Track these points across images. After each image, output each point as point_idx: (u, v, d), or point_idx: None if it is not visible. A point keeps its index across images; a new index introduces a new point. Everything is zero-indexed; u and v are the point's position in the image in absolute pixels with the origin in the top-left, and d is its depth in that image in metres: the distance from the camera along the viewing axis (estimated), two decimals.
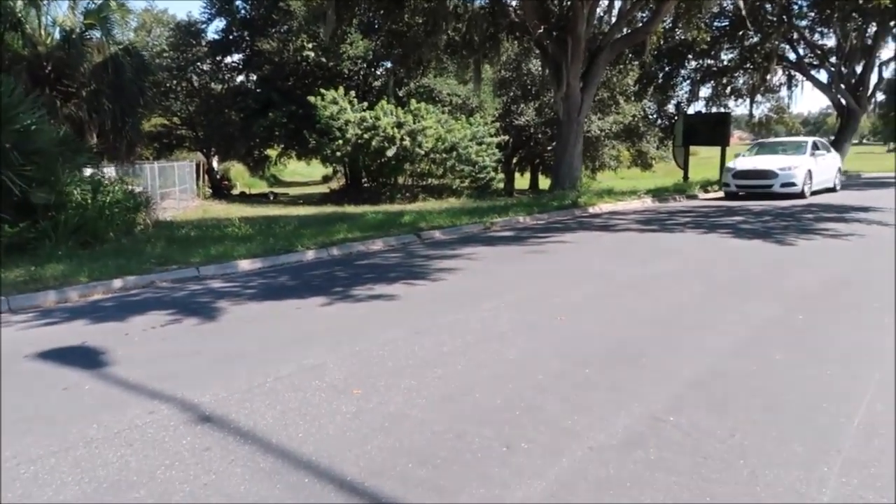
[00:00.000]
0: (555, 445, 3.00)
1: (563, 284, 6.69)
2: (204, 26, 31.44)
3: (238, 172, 40.19)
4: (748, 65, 28.68)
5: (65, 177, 10.23)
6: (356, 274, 7.66)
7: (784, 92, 33.36)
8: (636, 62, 26.65)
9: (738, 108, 37.37)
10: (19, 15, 14.04)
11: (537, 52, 22.99)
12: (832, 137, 29.17)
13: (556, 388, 3.70)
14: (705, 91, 31.43)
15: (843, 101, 27.84)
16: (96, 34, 14.83)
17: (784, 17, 25.44)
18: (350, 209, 18.08)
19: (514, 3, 19.55)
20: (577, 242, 9.90)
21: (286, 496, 2.60)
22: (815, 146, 17.92)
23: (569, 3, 18.25)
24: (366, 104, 22.72)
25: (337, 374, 3.99)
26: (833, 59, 28.23)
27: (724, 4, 25.87)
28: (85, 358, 4.49)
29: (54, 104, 13.30)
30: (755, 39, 26.86)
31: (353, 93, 22.90)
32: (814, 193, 16.64)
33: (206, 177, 32.56)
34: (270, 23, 28.92)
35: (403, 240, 10.44)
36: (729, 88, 30.79)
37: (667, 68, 28.64)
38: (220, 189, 32.71)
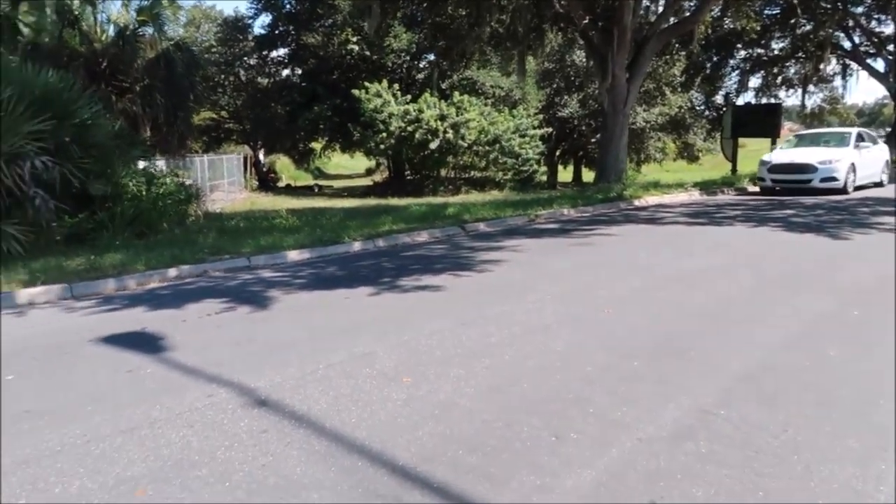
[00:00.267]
0: (603, 436, 3.02)
1: (608, 277, 6.66)
2: (250, 21, 32.01)
3: (284, 165, 40.84)
4: (800, 54, 27.88)
5: (120, 169, 10.58)
6: (402, 265, 7.75)
7: (838, 82, 32.43)
8: (683, 52, 26.14)
9: (790, 98, 36.42)
10: (76, 13, 14.54)
11: (582, 43, 22.77)
12: (888, 129, 28.13)
13: (603, 380, 3.71)
14: (755, 81, 30.68)
15: None
16: (149, 30, 15.24)
17: (839, 3, 24.61)
18: (394, 201, 18.23)
19: None
20: (623, 235, 9.81)
21: (341, 479, 2.68)
22: (860, 137, 16.62)
23: None
24: (409, 97, 22.81)
25: (387, 363, 4.08)
26: (890, 48, 27.20)
27: None
28: (145, 343, 4.68)
29: (110, 99, 13.72)
30: (808, 27, 26.07)
31: (396, 86, 23.01)
32: (858, 188, 15.51)
33: (253, 169, 33.20)
34: (315, 17, 29.23)
35: (448, 231, 10.51)
36: (780, 78, 29.99)
37: (715, 58, 28.03)
38: (267, 181, 33.31)
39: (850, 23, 26.80)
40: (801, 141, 17.58)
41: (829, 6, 24.60)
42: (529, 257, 8.06)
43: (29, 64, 10.02)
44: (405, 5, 20.76)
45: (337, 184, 37.81)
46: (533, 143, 24.03)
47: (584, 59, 27.23)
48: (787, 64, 29.17)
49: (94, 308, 5.98)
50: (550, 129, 26.45)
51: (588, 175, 32.12)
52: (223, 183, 22.88)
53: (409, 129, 21.77)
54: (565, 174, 36.98)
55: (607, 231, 10.25)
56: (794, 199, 14.35)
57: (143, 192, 10.51)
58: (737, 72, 29.74)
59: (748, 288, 6.01)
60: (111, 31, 15.54)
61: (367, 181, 34.66)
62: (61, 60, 12.99)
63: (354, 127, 23.57)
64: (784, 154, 16.35)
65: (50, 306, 6.16)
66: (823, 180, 14.91)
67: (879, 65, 28.06)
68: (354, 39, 27.77)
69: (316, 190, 30.79)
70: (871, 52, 28.00)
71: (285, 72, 33.41)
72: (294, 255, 8.40)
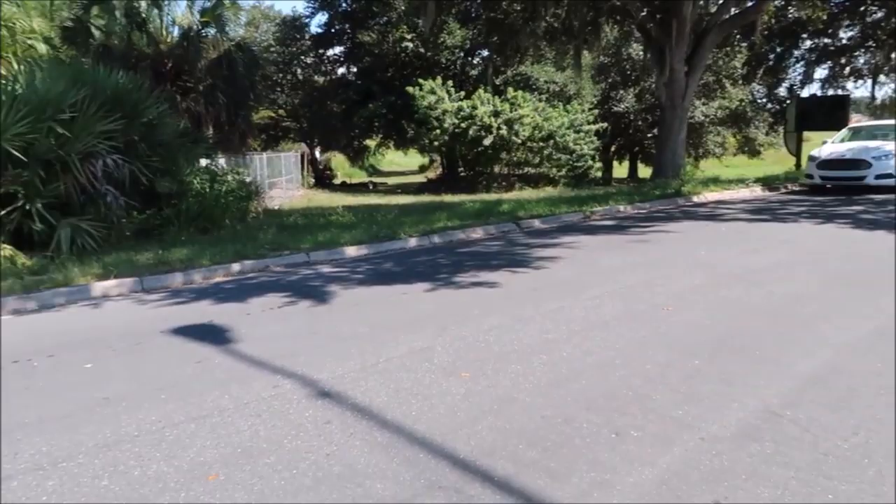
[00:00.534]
0: (665, 434, 3.00)
1: (667, 274, 6.55)
2: (307, 20, 32.57)
3: (339, 162, 41.44)
4: (871, 43, 26.62)
5: (185, 167, 10.96)
6: (458, 261, 7.80)
7: None
8: (744, 44, 25.36)
9: (858, 90, 34.93)
10: (143, 16, 15.09)
11: (639, 36, 22.38)
12: None
13: (664, 378, 3.67)
14: (821, 72, 29.44)
15: None
16: (211, 31, 15.71)
17: None
18: (447, 198, 18.30)
19: None
20: (682, 232, 9.63)
21: (403, 469, 2.74)
22: None
23: None
24: (463, 93, 22.82)
25: (445, 357, 4.13)
26: None
27: None
28: (212, 334, 4.85)
29: (174, 99, 14.19)
30: (879, 15, 24.90)
31: (450, 82, 23.04)
32: None
33: (309, 167, 33.81)
34: (371, 15, 29.54)
35: (503, 228, 10.51)
36: (848, 69, 28.69)
37: (778, 49, 27.03)
38: (323, 179, 33.88)
39: None
40: (856, 134, 16.23)
41: None
42: (586, 254, 8.00)
43: (100, 66, 10.45)
44: (460, 2, 20.80)
45: (391, 181, 38.17)
46: (588, 138, 23.73)
47: (640, 53, 26.73)
48: (857, 53, 27.87)
49: (164, 300, 6.23)
50: (605, 125, 26.01)
51: (644, 171, 31.52)
52: (281, 180, 23.39)
53: (463, 125, 21.79)
54: (620, 170, 36.40)
55: (665, 228, 10.07)
56: (862, 195, 13.76)
57: (207, 189, 10.85)
58: (802, 63, 28.59)
59: (814, 286, 5.83)
60: (176, 32, 16.07)
61: (420, 178, 34.87)
62: (130, 62, 13.53)
63: (408, 124, 23.77)
64: (835, 149, 15.28)
65: (122, 298, 6.45)
66: (879, 177, 13.83)
67: None
68: (409, 37, 27.96)
69: (370, 187, 31.16)
70: None
71: (341, 70, 33.90)
72: (351, 251, 8.55)
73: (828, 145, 15.90)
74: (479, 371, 3.86)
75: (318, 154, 37.15)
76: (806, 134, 22.01)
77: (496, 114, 21.72)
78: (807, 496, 2.48)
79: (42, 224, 8.26)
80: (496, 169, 23.57)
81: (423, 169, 40.46)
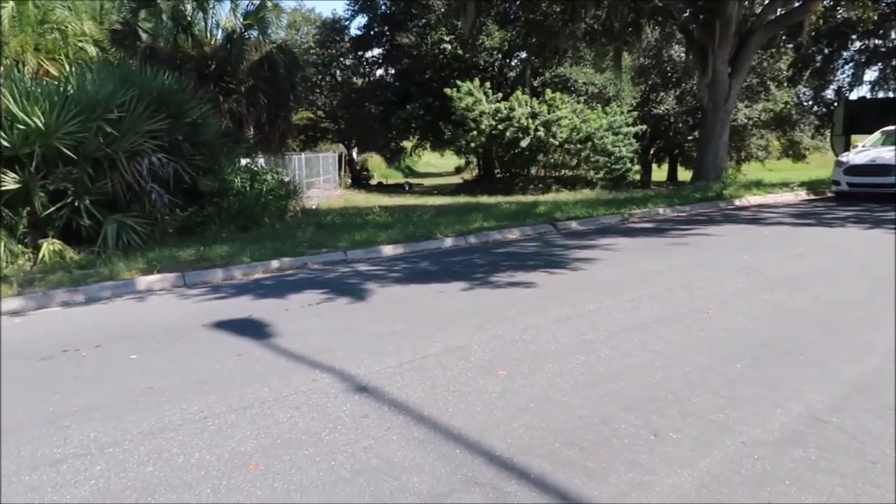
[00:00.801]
0: (705, 437, 2.95)
1: (708, 277, 6.44)
2: (347, 23, 32.91)
3: (375, 163, 41.72)
4: None
5: (226, 166, 11.16)
6: (494, 261, 7.79)
7: None
8: (790, 45, 24.78)
9: None
10: (189, 19, 15.44)
11: (680, 37, 22.06)
12: None
13: (704, 382, 3.61)
14: (871, 74, 28.62)
15: None
16: (254, 33, 15.97)
17: None
18: (483, 199, 18.29)
19: None
20: (724, 235, 9.46)
21: (440, 464, 2.75)
22: None
23: None
24: (500, 95, 22.78)
25: (481, 356, 4.13)
26: None
27: None
28: (252, 329, 4.94)
29: (217, 99, 14.46)
30: None
31: (488, 84, 23.02)
32: None
33: (346, 167, 34.10)
34: (410, 17, 29.70)
35: (539, 229, 10.46)
36: None
37: (826, 50, 26.37)
38: (360, 179, 34.14)
39: None
40: (889, 138, 14.92)
41: None
42: (624, 256, 7.91)
43: (147, 67, 10.72)
44: (499, 3, 20.76)
45: (427, 182, 38.28)
46: (626, 140, 23.47)
47: (682, 54, 26.32)
48: None
49: (205, 295, 6.36)
50: (645, 127, 25.72)
51: (684, 174, 31.02)
52: (319, 180, 23.65)
53: (500, 127, 21.75)
54: (660, 173, 35.91)
55: (706, 231, 9.90)
56: (893, 203, 13.23)
57: (247, 188, 11.03)
58: (850, 64, 27.86)
59: (861, 291, 5.66)
60: (220, 35, 16.39)
61: (456, 179, 34.87)
62: (175, 63, 13.84)
63: (445, 125, 23.78)
64: (865, 154, 14.29)
65: (166, 293, 6.61)
66: None
67: None
68: (448, 38, 28.03)
69: (407, 188, 31.30)
70: None
71: (379, 72, 34.15)
72: (388, 250, 8.61)
73: (858, 150, 15.03)
74: (516, 370, 3.85)
75: (355, 155, 37.46)
76: (854, 137, 21.41)
77: (534, 115, 21.63)
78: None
79: (90, 220, 8.50)
80: (533, 171, 23.47)
81: (459, 170, 40.43)
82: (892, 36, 26.29)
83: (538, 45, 20.94)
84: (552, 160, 22.92)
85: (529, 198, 18.12)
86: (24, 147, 8.26)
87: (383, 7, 30.75)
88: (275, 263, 7.67)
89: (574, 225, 10.94)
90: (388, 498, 2.51)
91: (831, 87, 28.97)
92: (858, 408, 3.23)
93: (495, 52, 28.30)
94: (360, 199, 22.08)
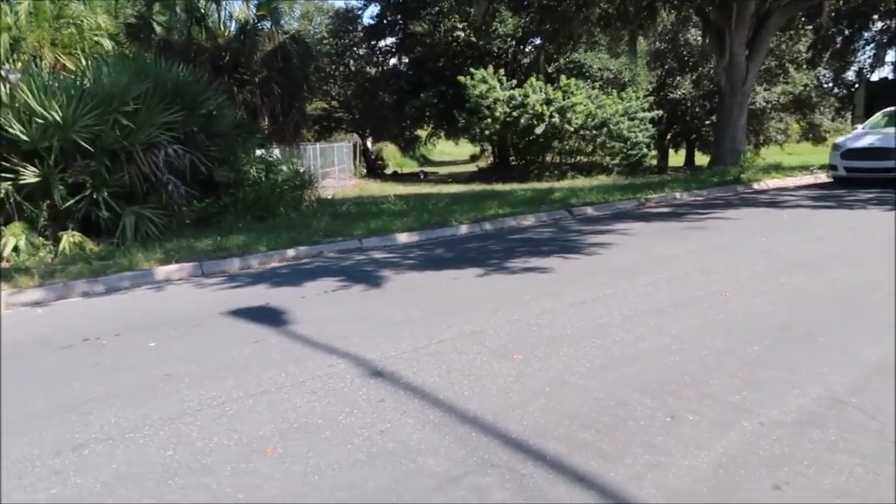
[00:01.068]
0: (722, 419, 2.94)
1: (726, 261, 6.38)
2: (360, 12, 32.92)
3: (390, 152, 41.70)
4: None
5: (242, 157, 11.22)
6: (509, 247, 7.78)
7: None
8: (810, 26, 24.33)
9: None
10: (202, 11, 15.51)
11: (697, 20, 21.76)
12: None
13: (721, 364, 3.59)
14: (893, 55, 28.13)
15: None
16: (267, 24, 16.01)
17: None
18: (498, 187, 18.23)
19: None
20: (741, 219, 9.36)
21: (456, 447, 2.76)
22: None
23: None
24: (514, 82, 22.62)
25: (496, 340, 4.13)
26: None
27: None
28: (269, 316, 4.97)
29: (232, 91, 14.52)
30: None
31: (501, 71, 22.86)
32: None
33: (361, 157, 34.14)
34: (422, 5, 29.53)
35: (555, 215, 10.42)
36: None
37: (846, 31, 25.83)
38: (375, 168, 34.15)
39: None
40: (891, 120, 13.98)
41: None
42: (640, 241, 7.86)
43: (162, 60, 10.78)
44: None
45: (442, 170, 38.21)
46: (642, 126, 23.25)
47: (698, 38, 25.97)
48: None
49: (222, 284, 6.42)
50: (661, 112, 25.42)
51: (701, 159, 30.71)
52: (334, 170, 23.70)
53: (515, 114, 21.63)
54: (677, 158, 35.57)
55: (723, 215, 9.80)
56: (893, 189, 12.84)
57: (263, 179, 11.09)
58: (872, 45, 27.28)
59: (882, 274, 5.58)
60: (233, 26, 16.46)
61: (471, 167, 34.76)
62: (190, 56, 13.90)
63: (459, 113, 23.68)
64: (864, 137, 13.41)
65: (184, 282, 6.67)
66: None
67: None
68: (461, 26, 27.86)
69: (421, 176, 31.26)
70: None
71: (393, 61, 34.05)
72: (403, 238, 8.62)
73: (856, 133, 14.21)
74: (531, 354, 3.85)
75: (369, 144, 37.47)
76: None
77: (548, 102, 21.48)
78: (872, 484, 2.40)
79: (108, 212, 8.60)
80: (548, 158, 23.34)
81: (473, 158, 40.29)
82: None
83: (552, 31, 20.74)
84: (567, 147, 22.76)
85: (545, 185, 18.04)
86: (43, 141, 8.36)
87: None
88: (290, 252, 7.71)
89: (589, 210, 10.88)
90: (405, 480, 2.53)
91: (852, 68, 28.43)
92: (879, 389, 3.19)
93: (509, 39, 28.09)
94: (375, 188, 22.11)
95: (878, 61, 27.75)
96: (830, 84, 31.04)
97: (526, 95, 21.60)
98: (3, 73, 8.78)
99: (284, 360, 3.93)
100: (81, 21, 14.27)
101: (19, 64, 11.27)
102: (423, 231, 8.95)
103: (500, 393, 3.31)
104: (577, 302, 4.99)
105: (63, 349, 4.42)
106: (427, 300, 5.36)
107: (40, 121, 8.34)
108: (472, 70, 22.43)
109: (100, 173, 8.63)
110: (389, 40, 32.97)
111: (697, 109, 30.08)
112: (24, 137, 8.30)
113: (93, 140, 8.54)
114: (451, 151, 49.56)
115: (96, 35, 14.50)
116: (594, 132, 22.19)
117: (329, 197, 16.19)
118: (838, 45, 26.26)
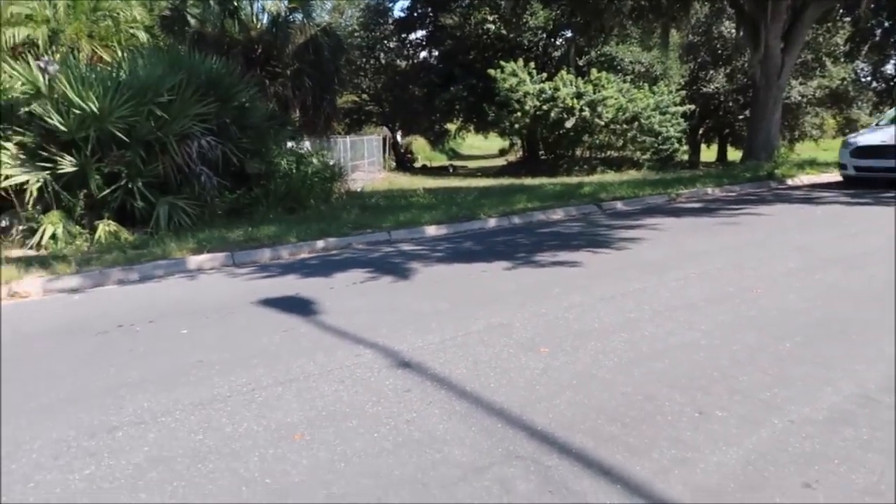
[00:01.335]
0: (752, 416, 2.90)
1: (758, 257, 6.28)
2: (391, 5, 33.00)
3: (419, 146, 41.78)
4: None
5: (273, 149, 11.33)
6: (538, 241, 7.75)
7: None
8: (848, 18, 23.72)
9: None
10: (235, 3, 15.65)
11: (731, 12, 21.36)
12: None
13: (752, 360, 3.54)
14: None
15: None
16: (298, 17, 16.09)
17: None
18: (528, 181, 18.15)
19: None
20: (775, 215, 9.19)
21: (481, 438, 2.77)
22: None
23: None
24: (545, 75, 22.49)
25: (524, 333, 4.12)
26: None
27: None
28: (298, 306, 5.03)
29: (264, 83, 14.64)
30: None
31: (532, 64, 22.74)
32: None
33: (391, 150, 34.26)
34: None
35: (584, 210, 10.35)
36: None
37: (887, 23, 25.14)
38: (404, 162, 34.28)
39: None
40: None
41: None
42: (671, 236, 7.77)
43: (196, 52, 10.92)
44: None
45: (471, 164, 38.19)
46: (674, 120, 22.96)
47: (732, 31, 25.51)
48: None
49: (253, 274, 6.50)
50: (693, 106, 25.07)
51: (734, 154, 30.19)
52: (363, 163, 23.84)
53: (545, 107, 21.51)
54: (709, 153, 35.02)
55: (756, 211, 9.64)
56: None
57: (293, 171, 11.17)
58: None
59: None
60: (265, 19, 16.57)
61: (500, 161, 34.71)
62: (223, 48, 14.06)
63: (489, 107, 23.63)
64: (875, 135, 12.32)
65: (215, 272, 6.77)
66: None
67: None
68: (491, 19, 27.77)
69: (451, 170, 31.30)
70: None
71: (423, 54, 34.09)
72: (432, 231, 8.64)
73: (868, 130, 13.31)
74: (559, 347, 3.84)
75: (399, 138, 37.59)
76: None
77: (579, 95, 21.32)
78: None
79: (143, 202, 8.76)
80: (578, 152, 23.19)
81: (503, 152, 40.25)
82: None
83: (583, 24, 20.53)
84: (598, 141, 22.59)
85: (574, 179, 17.91)
86: (80, 131, 8.54)
87: None
88: (320, 244, 7.78)
89: (619, 205, 10.78)
90: (431, 469, 2.54)
91: (891, 61, 27.68)
92: None
93: (539, 32, 27.91)
94: (404, 181, 22.16)
95: None
96: (868, 78, 30.31)
97: (556, 89, 21.46)
98: (42, 64, 8.97)
99: (313, 349, 3.98)
100: (117, 14, 14.51)
101: (58, 56, 11.49)
102: (451, 224, 8.96)
103: (527, 385, 3.31)
104: (607, 296, 4.95)
105: (99, 335, 4.53)
106: (455, 292, 5.37)
107: (78, 111, 8.51)
108: (502, 63, 22.35)
109: (135, 163, 8.79)
110: (420, 33, 33.02)
111: (731, 104, 29.58)
112: (62, 128, 8.49)
113: (128, 131, 8.69)
114: (481, 145, 49.49)
115: (132, 27, 14.73)
116: (625, 126, 21.98)
117: (358, 189, 16.27)
118: (877, 38, 25.56)
